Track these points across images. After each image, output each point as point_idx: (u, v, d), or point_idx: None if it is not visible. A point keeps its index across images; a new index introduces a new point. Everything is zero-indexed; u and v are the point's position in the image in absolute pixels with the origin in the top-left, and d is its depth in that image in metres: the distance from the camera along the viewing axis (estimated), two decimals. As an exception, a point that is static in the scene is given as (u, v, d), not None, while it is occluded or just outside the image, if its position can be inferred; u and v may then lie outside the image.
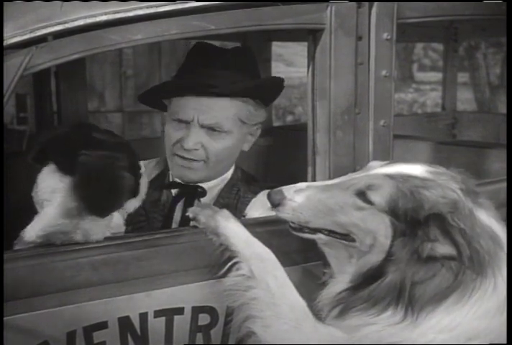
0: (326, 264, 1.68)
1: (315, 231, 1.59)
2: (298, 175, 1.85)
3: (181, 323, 1.67)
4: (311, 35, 1.76)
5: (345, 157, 1.82)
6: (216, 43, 2.21)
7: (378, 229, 1.52)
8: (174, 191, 2.01)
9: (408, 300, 1.47)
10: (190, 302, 1.66)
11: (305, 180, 1.79)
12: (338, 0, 1.72)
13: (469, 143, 3.21)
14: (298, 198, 1.55)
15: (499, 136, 3.70)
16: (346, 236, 1.57)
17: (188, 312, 1.67)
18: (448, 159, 3.05)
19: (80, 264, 1.56)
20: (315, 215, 1.56)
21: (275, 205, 1.56)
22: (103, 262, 1.58)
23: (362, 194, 1.53)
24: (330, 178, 1.80)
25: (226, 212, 1.68)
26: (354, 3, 1.75)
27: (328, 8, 1.72)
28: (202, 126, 1.93)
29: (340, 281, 1.59)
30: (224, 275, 1.65)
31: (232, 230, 1.66)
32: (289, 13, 1.68)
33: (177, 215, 1.97)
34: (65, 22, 1.46)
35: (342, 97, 1.79)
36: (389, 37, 1.82)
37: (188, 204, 1.92)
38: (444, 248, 1.46)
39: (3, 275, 1.46)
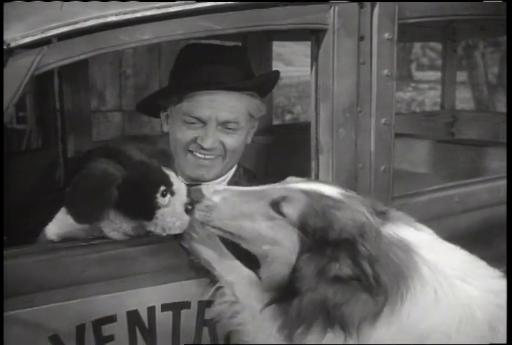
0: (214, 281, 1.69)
1: (219, 230, 1.61)
2: (297, 173, 1.88)
3: (188, 317, 1.71)
4: (314, 35, 1.79)
5: (347, 154, 1.85)
6: (215, 42, 2.25)
7: (284, 241, 1.54)
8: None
9: (340, 320, 1.49)
10: (196, 296, 1.70)
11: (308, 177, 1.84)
12: (341, 0, 1.76)
13: (468, 141, 3.25)
14: (215, 198, 1.58)
15: (498, 134, 3.74)
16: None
17: (194, 306, 1.71)
18: (447, 157, 3.09)
19: (89, 260, 1.60)
20: (226, 217, 1.58)
21: (191, 203, 1.59)
22: (111, 257, 1.62)
23: (276, 205, 1.55)
24: (333, 175, 1.84)
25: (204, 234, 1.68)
26: (356, 4, 1.79)
27: (331, 9, 1.76)
28: (218, 124, 1.96)
29: (253, 309, 1.62)
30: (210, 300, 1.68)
31: (212, 254, 1.67)
32: (292, 13, 1.72)
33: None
34: (76, 23, 1.49)
35: (345, 96, 1.82)
36: (390, 37, 1.86)
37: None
38: (349, 270, 1.48)
39: (3, 275, 1.49)
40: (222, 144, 1.98)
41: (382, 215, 1.59)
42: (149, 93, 2.17)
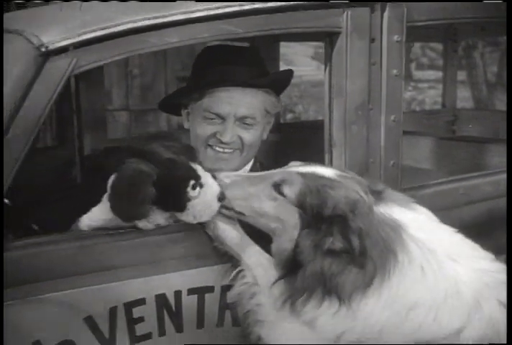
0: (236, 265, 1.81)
1: (233, 211, 1.77)
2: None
3: (211, 301, 1.83)
4: (328, 38, 1.92)
5: (359, 150, 1.97)
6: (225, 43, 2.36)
7: (287, 219, 1.70)
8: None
9: (335, 289, 1.64)
10: (219, 281, 1.82)
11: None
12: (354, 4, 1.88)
13: (470, 138, 3.37)
14: (226, 180, 1.76)
15: (498, 132, 3.85)
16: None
17: (217, 290, 1.83)
18: (449, 153, 3.22)
19: (120, 247, 1.72)
20: (237, 197, 1.75)
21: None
22: (141, 245, 1.73)
23: (277, 186, 1.72)
24: (345, 168, 1.96)
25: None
26: (367, 9, 1.91)
27: (344, 13, 1.88)
28: (236, 119, 2.08)
29: (268, 290, 1.74)
30: (232, 282, 1.81)
31: (234, 240, 1.80)
32: (309, 17, 1.84)
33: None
34: (109, 27, 1.62)
35: (357, 94, 1.95)
36: (399, 39, 1.98)
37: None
38: (340, 244, 1.62)
39: (3, 274, 1.57)
40: (240, 138, 2.10)
41: (378, 194, 1.73)
42: (165, 93, 2.30)
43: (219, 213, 1.77)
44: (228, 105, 2.07)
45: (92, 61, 1.63)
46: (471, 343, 1.65)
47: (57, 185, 2.41)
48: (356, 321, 1.66)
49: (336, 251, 1.63)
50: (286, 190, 1.71)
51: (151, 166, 1.69)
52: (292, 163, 1.83)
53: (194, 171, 1.73)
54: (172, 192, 1.71)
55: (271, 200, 1.73)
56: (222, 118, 2.08)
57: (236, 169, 2.14)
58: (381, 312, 1.65)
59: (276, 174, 1.77)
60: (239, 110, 2.08)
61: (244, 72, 2.08)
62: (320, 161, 1.95)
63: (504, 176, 2.35)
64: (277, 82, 2.17)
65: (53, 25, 1.63)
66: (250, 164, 2.20)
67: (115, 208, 1.68)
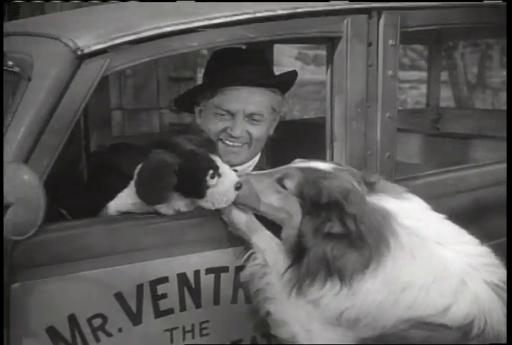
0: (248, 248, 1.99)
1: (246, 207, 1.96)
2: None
3: (226, 280, 2.01)
4: (330, 42, 2.11)
5: (358, 143, 2.17)
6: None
7: (290, 208, 1.89)
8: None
9: (337, 271, 1.81)
10: (233, 262, 2.01)
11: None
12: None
13: (454, 135, 3.59)
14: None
15: (479, 129, 4.05)
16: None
17: (232, 270, 2.01)
18: (436, 149, 3.43)
19: (146, 230, 1.90)
20: (248, 195, 1.94)
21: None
22: (165, 228, 1.92)
23: (280, 181, 1.92)
24: (346, 161, 2.16)
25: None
26: (365, 16, 2.11)
27: (345, 20, 2.08)
28: (245, 116, 2.27)
29: (277, 270, 1.92)
30: (244, 263, 2.00)
31: (248, 223, 1.98)
32: (314, 24, 2.04)
33: None
34: (138, 33, 1.80)
35: (356, 93, 2.14)
36: (394, 43, 2.17)
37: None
38: (338, 228, 1.82)
39: (3, 274, 1.69)
40: (248, 133, 2.29)
41: (372, 185, 1.92)
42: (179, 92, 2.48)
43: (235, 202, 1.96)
44: (238, 102, 2.26)
45: (122, 63, 1.82)
46: (458, 319, 1.84)
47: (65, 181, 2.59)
48: (355, 300, 1.83)
49: (335, 235, 1.82)
50: (287, 183, 1.91)
51: (174, 156, 1.87)
52: (296, 160, 2.03)
53: (213, 162, 1.91)
54: (193, 181, 1.89)
55: (276, 193, 1.92)
56: (232, 114, 2.27)
57: (245, 162, 2.32)
58: (377, 292, 1.82)
59: (279, 170, 1.97)
60: (247, 107, 2.27)
61: (253, 73, 2.28)
62: (302, 157, 2.14)
63: (488, 168, 2.56)
64: (283, 82, 2.37)
65: (87, 30, 1.81)
66: (257, 157, 2.39)
67: (140, 192, 1.85)
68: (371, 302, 1.82)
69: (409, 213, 1.92)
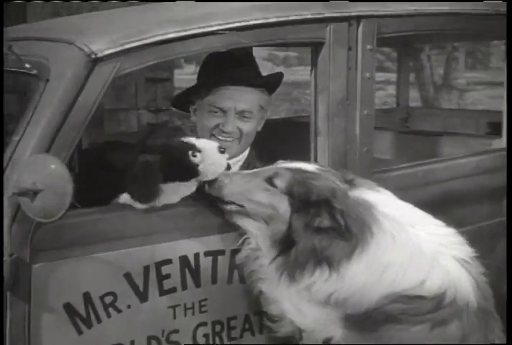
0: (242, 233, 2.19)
1: (232, 205, 2.15)
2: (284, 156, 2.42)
3: (223, 262, 2.22)
4: (314, 46, 2.33)
5: (339, 138, 2.38)
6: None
7: (279, 205, 2.09)
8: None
9: (325, 260, 2.03)
10: (229, 246, 2.22)
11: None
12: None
13: (424, 132, 3.84)
14: (226, 180, 2.13)
15: (446, 126, 4.30)
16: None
17: (228, 253, 2.22)
18: (406, 145, 3.68)
19: (153, 216, 2.10)
20: (235, 193, 2.12)
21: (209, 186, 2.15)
22: (169, 215, 2.12)
23: (269, 179, 2.10)
24: (328, 154, 2.37)
25: None
26: (346, 23, 2.33)
27: (328, 27, 2.30)
28: (236, 113, 2.48)
29: (267, 253, 2.13)
30: (239, 247, 2.20)
31: (242, 210, 2.16)
32: (300, 31, 2.26)
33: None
34: (145, 39, 2.00)
35: (337, 92, 2.36)
36: (371, 48, 2.39)
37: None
38: (328, 222, 2.03)
39: (3, 273, 1.80)
40: (239, 129, 2.51)
41: (350, 182, 2.15)
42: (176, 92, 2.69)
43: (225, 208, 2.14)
44: (230, 100, 2.48)
45: (131, 66, 2.01)
46: (432, 290, 2.06)
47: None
48: (343, 283, 2.04)
49: (325, 229, 2.03)
50: (277, 182, 2.10)
51: (152, 155, 2.07)
52: (279, 161, 2.23)
53: (186, 143, 2.11)
54: (181, 166, 2.09)
55: (265, 191, 2.11)
56: (224, 111, 2.49)
57: (236, 155, 2.54)
58: (362, 273, 2.03)
59: (267, 170, 2.17)
60: (238, 105, 2.48)
61: (244, 74, 2.50)
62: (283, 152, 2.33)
63: (454, 162, 2.80)
64: (271, 82, 2.59)
65: (100, 36, 2.00)
66: (247, 151, 2.61)
67: (133, 195, 2.06)
68: (357, 283, 2.04)
69: (385, 202, 2.15)
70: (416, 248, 2.08)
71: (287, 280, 2.08)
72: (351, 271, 2.03)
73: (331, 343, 2.12)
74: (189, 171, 2.12)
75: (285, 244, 2.07)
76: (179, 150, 2.11)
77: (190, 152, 2.11)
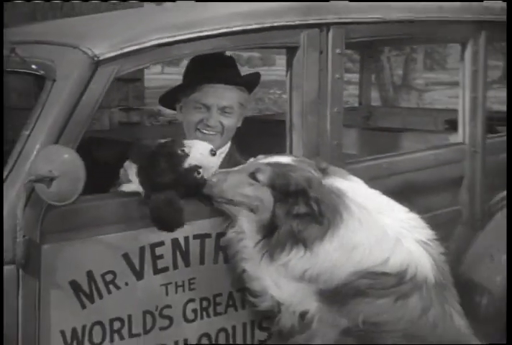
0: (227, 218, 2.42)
1: (223, 199, 2.38)
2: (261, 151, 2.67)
3: (209, 244, 2.46)
4: (289, 50, 2.59)
5: (312, 133, 2.63)
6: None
7: (263, 197, 2.32)
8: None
9: (302, 240, 2.26)
10: (215, 229, 2.46)
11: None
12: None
13: (385, 129, 4.14)
14: (214, 179, 2.37)
15: (405, 124, 4.57)
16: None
17: (213, 236, 2.46)
18: (370, 141, 3.96)
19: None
20: (223, 189, 2.35)
21: (200, 184, 2.34)
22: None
23: (252, 175, 2.33)
24: (302, 147, 2.63)
25: None
26: (318, 30, 2.59)
27: (302, 33, 2.56)
28: (219, 109, 2.73)
29: (251, 236, 2.38)
30: (225, 230, 2.43)
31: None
32: (277, 36, 2.52)
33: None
34: (142, 43, 2.24)
35: (310, 91, 2.61)
36: (340, 52, 2.65)
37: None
38: (304, 209, 2.27)
39: (3, 273, 2.02)
40: (221, 123, 2.75)
41: (324, 171, 2.40)
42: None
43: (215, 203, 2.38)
44: (213, 97, 2.72)
45: (129, 67, 2.25)
46: (395, 268, 2.30)
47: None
48: (316, 260, 2.28)
49: (302, 215, 2.28)
50: (260, 176, 2.33)
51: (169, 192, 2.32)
52: (259, 156, 2.47)
53: (173, 144, 2.36)
54: (192, 187, 2.35)
55: (250, 185, 2.33)
56: (208, 107, 2.73)
57: (218, 148, 2.78)
58: (333, 253, 2.27)
59: (250, 166, 2.39)
60: (221, 101, 2.73)
61: (226, 74, 2.74)
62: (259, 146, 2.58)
63: (414, 155, 3.08)
64: (250, 82, 2.85)
65: (102, 40, 2.23)
66: (228, 144, 2.86)
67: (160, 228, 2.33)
68: (328, 261, 2.29)
69: (355, 190, 2.40)
70: (381, 231, 2.34)
71: (268, 259, 2.33)
72: (323, 250, 2.29)
73: (308, 315, 2.37)
74: (198, 188, 2.39)
75: (269, 229, 2.32)
76: (186, 174, 2.36)
77: (180, 150, 2.35)
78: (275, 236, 2.31)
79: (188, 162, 2.36)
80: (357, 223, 2.32)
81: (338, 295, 2.31)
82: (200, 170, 2.36)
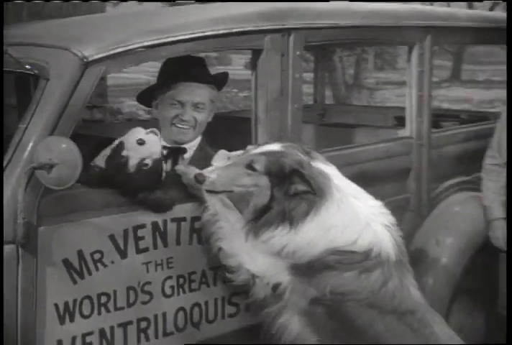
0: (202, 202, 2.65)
1: (224, 191, 2.55)
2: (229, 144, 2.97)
3: (185, 227, 2.73)
4: (255, 53, 2.88)
5: (275, 127, 2.94)
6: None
7: (261, 183, 2.50)
8: (165, 151, 3.05)
9: (289, 219, 2.46)
10: (190, 213, 2.73)
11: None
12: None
13: (340, 125, 4.47)
14: (213, 175, 2.53)
15: (357, 121, 4.88)
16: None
17: (188, 220, 2.73)
18: (325, 136, 4.28)
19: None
20: (223, 183, 2.53)
21: (200, 182, 2.53)
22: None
23: (249, 165, 2.51)
24: (266, 140, 2.92)
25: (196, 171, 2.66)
26: (280, 34, 2.89)
27: (266, 37, 2.86)
28: (192, 105, 3.00)
29: (246, 216, 2.56)
30: (202, 213, 2.66)
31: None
32: (244, 40, 2.82)
33: (167, 167, 3.01)
34: (126, 46, 2.50)
35: (273, 90, 2.91)
36: (299, 54, 2.96)
37: (175, 159, 3.00)
38: (302, 186, 2.47)
39: (3, 273, 2.22)
40: (194, 118, 3.02)
41: (308, 154, 2.65)
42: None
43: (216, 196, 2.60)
44: (187, 95, 2.99)
45: (115, 68, 2.52)
46: (362, 247, 2.55)
47: None
48: (295, 238, 2.47)
49: (300, 193, 2.47)
50: (256, 166, 2.51)
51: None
52: (249, 147, 2.71)
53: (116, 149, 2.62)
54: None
55: (248, 176, 2.51)
56: (182, 104, 3.00)
57: (191, 140, 3.04)
58: (311, 231, 2.48)
59: (245, 158, 2.56)
60: (194, 98, 3.00)
61: (198, 73, 3.02)
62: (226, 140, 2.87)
63: (368, 147, 3.40)
64: (219, 80, 3.13)
65: (91, 43, 2.49)
66: (199, 138, 3.13)
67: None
68: (306, 238, 2.49)
69: (336, 175, 2.67)
70: (354, 215, 2.56)
71: (251, 236, 2.57)
72: (304, 229, 2.49)
73: (280, 287, 2.59)
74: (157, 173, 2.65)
75: (261, 212, 2.52)
76: (137, 173, 2.59)
77: (143, 167, 2.59)
78: (265, 217, 2.53)
79: (131, 165, 2.57)
80: (336, 206, 2.53)
81: (309, 269, 2.52)
82: (147, 161, 2.58)
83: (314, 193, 2.50)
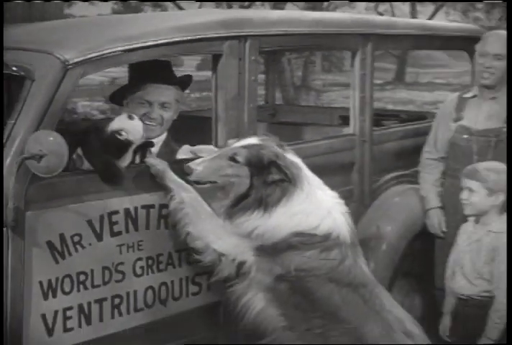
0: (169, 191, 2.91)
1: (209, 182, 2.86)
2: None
3: (153, 213, 3.02)
4: (215, 57, 3.21)
5: (233, 124, 3.26)
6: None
7: (242, 174, 2.82)
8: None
9: (264, 204, 2.79)
10: (158, 201, 3.03)
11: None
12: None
13: (289, 123, 4.83)
14: (199, 168, 2.81)
15: (306, 120, 5.17)
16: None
17: (157, 207, 3.03)
18: (277, 133, 4.59)
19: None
20: (208, 174, 2.82)
21: (188, 173, 2.82)
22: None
23: (231, 158, 2.81)
24: (226, 136, 3.23)
25: (164, 163, 2.99)
26: (237, 40, 3.21)
27: (224, 43, 3.18)
28: (159, 104, 3.31)
29: (226, 203, 2.88)
30: (169, 202, 2.93)
31: (168, 176, 2.96)
32: (205, 46, 3.15)
33: (136, 159, 3.30)
34: (102, 50, 2.79)
35: (232, 90, 3.23)
36: (254, 58, 3.29)
37: (144, 152, 3.30)
38: (278, 175, 2.81)
39: (3, 274, 2.46)
40: (161, 116, 3.33)
41: (281, 147, 2.97)
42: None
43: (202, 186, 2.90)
44: (154, 95, 3.30)
45: (92, 71, 2.82)
46: (323, 230, 2.87)
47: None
48: (266, 221, 2.78)
49: (276, 181, 2.79)
50: (238, 158, 2.81)
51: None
52: (230, 141, 3.03)
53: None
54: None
55: (230, 167, 2.81)
56: (150, 103, 3.31)
57: (159, 135, 3.35)
58: (280, 216, 2.78)
59: (228, 151, 2.85)
60: (161, 98, 3.31)
61: (165, 75, 3.34)
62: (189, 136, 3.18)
63: (315, 143, 3.75)
64: (184, 82, 3.46)
65: (71, 48, 2.78)
66: (165, 134, 3.45)
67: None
68: (275, 222, 2.80)
69: (304, 167, 2.99)
70: (318, 203, 2.88)
71: (227, 220, 2.90)
72: (275, 213, 2.80)
73: (245, 266, 2.90)
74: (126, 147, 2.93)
75: (240, 199, 2.84)
76: (111, 136, 2.88)
77: (117, 135, 2.88)
78: (243, 203, 2.85)
79: (110, 127, 2.85)
80: (305, 194, 2.85)
81: (274, 249, 2.81)
82: (122, 133, 2.87)
83: (290, 182, 2.83)
